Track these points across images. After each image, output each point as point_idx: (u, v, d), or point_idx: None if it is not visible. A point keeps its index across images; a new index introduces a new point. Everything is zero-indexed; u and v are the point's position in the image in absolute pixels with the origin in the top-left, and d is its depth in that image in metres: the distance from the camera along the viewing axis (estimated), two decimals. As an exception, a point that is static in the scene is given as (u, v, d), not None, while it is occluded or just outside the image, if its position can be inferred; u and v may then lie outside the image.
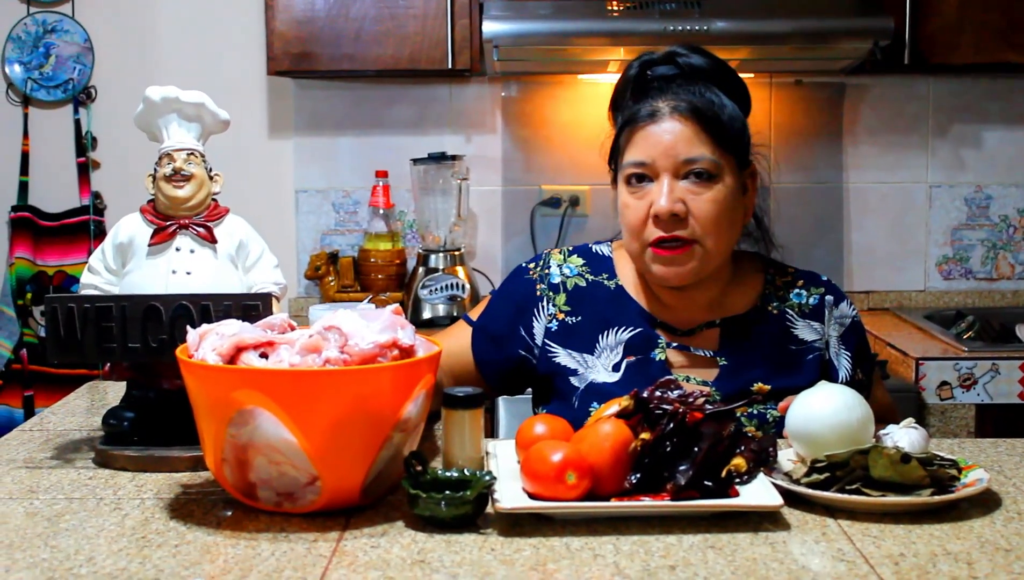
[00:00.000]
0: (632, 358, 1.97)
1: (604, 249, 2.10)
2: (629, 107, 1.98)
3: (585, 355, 1.99)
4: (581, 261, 2.08)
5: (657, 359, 1.96)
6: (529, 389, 2.10)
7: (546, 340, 2.02)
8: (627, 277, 2.05)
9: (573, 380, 1.98)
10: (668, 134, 1.90)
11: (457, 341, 2.06)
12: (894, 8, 3.37)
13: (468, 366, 2.05)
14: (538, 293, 2.04)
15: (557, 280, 2.05)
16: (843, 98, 3.78)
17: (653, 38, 3.28)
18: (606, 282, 2.05)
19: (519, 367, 2.04)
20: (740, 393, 1.90)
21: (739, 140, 1.95)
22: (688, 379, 1.95)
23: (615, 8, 3.33)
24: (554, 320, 2.02)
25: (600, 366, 1.97)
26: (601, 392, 1.93)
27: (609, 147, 2.02)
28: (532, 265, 2.09)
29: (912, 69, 3.55)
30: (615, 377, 1.96)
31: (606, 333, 1.99)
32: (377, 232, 3.69)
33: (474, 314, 2.10)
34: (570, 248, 2.11)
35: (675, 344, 1.98)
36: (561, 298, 2.03)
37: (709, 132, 1.90)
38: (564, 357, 2.00)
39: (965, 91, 3.80)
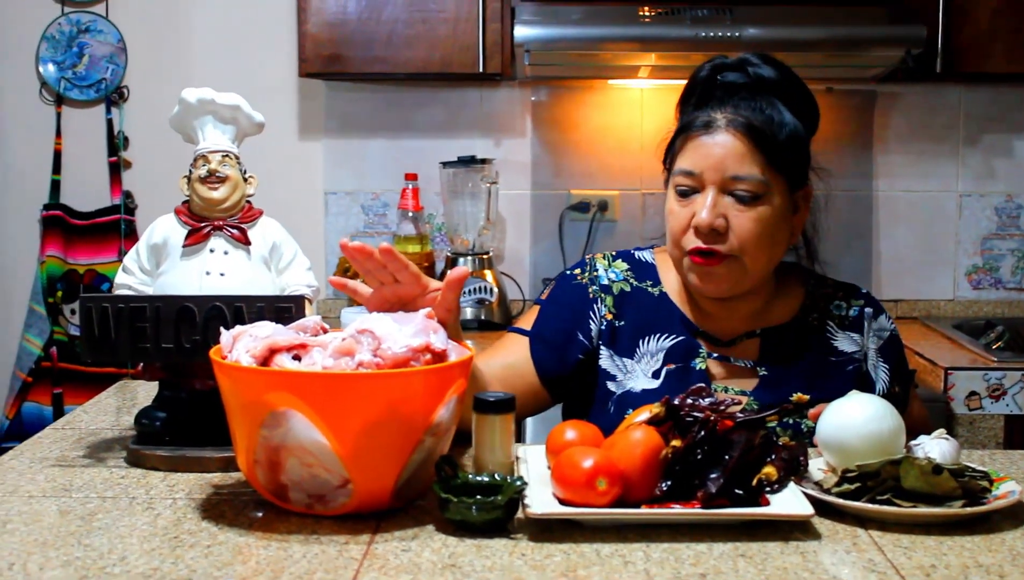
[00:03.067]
0: (672, 366, 1.97)
1: (647, 255, 2.10)
2: (689, 113, 1.96)
3: (625, 360, 1.99)
4: (625, 266, 2.07)
5: (697, 368, 1.96)
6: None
7: (599, 342, 2.01)
8: (671, 284, 2.05)
9: (611, 385, 1.98)
10: (719, 148, 1.88)
11: (513, 354, 2.03)
12: (927, 17, 3.36)
13: (528, 377, 2.01)
14: (591, 295, 2.04)
15: (606, 282, 2.04)
16: (874, 106, 3.77)
17: (684, 44, 3.29)
18: (650, 289, 2.04)
19: (579, 371, 2.02)
20: (778, 403, 1.90)
21: (794, 160, 1.93)
22: (727, 390, 1.95)
23: (646, 14, 3.33)
24: (604, 321, 2.02)
25: (640, 372, 1.97)
26: (638, 400, 1.92)
27: (665, 147, 2.00)
28: (578, 271, 2.08)
29: (944, 78, 3.53)
30: (655, 384, 1.96)
31: (647, 339, 1.99)
32: (406, 235, 3.70)
33: (524, 325, 2.07)
34: (613, 253, 2.10)
35: (715, 355, 1.98)
36: (610, 300, 2.03)
37: (762, 150, 1.88)
38: (606, 360, 2.00)
39: (997, 100, 3.79)
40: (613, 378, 1.98)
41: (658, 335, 1.99)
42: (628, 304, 2.03)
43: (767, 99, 1.92)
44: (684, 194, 1.92)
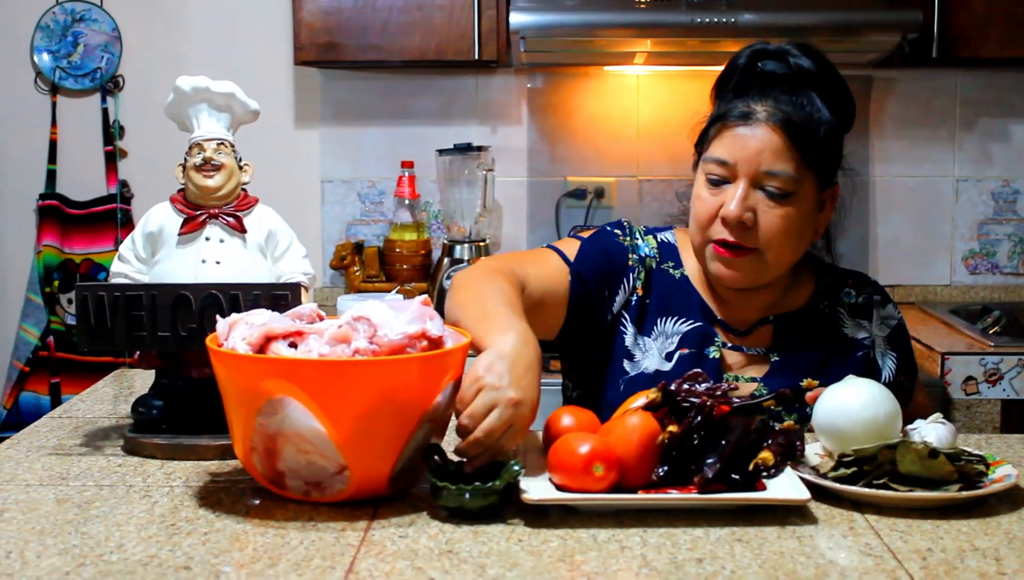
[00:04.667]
0: (686, 351, 1.96)
1: (668, 236, 2.07)
2: (728, 99, 1.93)
3: (645, 338, 1.98)
4: (655, 242, 2.05)
5: (711, 357, 1.96)
6: (558, 375, 2.10)
7: (623, 312, 1.99)
8: (692, 268, 2.03)
9: (626, 364, 1.97)
10: (756, 140, 1.86)
11: (554, 280, 1.96)
12: (922, 1, 3.35)
13: (557, 310, 1.95)
14: (631, 263, 2.00)
15: (644, 253, 2.02)
16: (870, 91, 3.77)
17: (680, 31, 3.28)
18: (672, 270, 2.03)
19: (595, 322, 1.98)
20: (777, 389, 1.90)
21: (827, 159, 1.91)
22: (738, 379, 1.95)
23: (642, 0, 3.32)
24: (635, 294, 1.99)
25: (655, 350, 1.96)
26: (650, 381, 1.90)
27: (699, 131, 1.98)
28: (619, 232, 2.03)
29: (940, 63, 3.52)
30: (667, 366, 1.95)
31: (664, 320, 1.98)
32: (402, 222, 3.70)
33: (564, 248, 2.00)
34: (643, 227, 2.07)
35: (730, 345, 1.98)
36: (643, 275, 2.00)
37: (798, 148, 1.86)
38: (629, 338, 1.97)
39: (993, 85, 3.78)
40: (632, 358, 1.97)
41: (676, 318, 1.98)
42: (654, 282, 2.01)
43: (806, 93, 1.89)
44: (715, 183, 1.89)
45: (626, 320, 1.99)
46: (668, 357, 1.96)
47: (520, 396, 1.51)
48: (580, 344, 2.02)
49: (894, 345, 2.03)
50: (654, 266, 2.03)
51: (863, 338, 2.01)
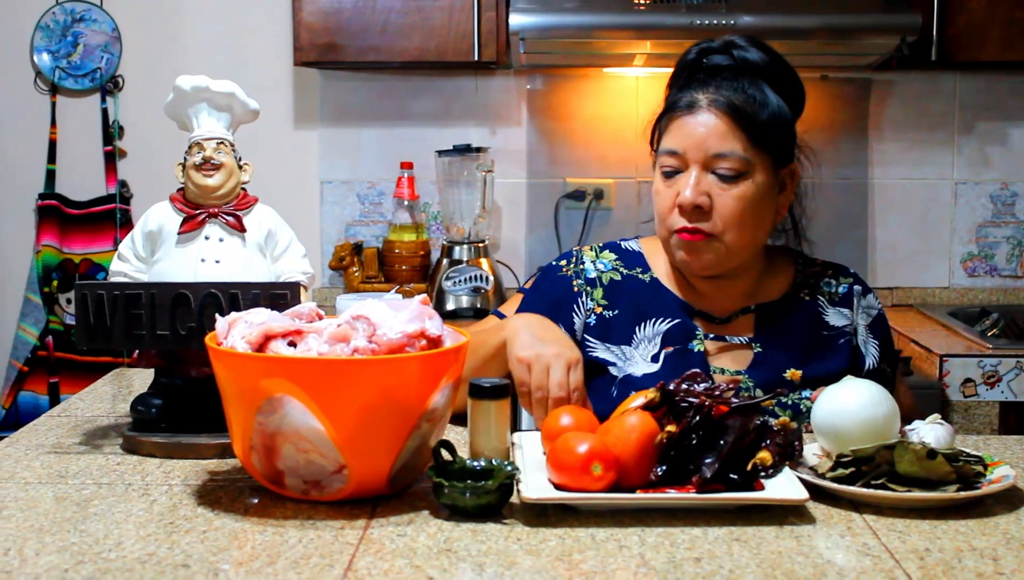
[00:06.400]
0: (671, 349, 1.98)
1: (632, 245, 2.11)
2: (674, 94, 1.98)
3: (623, 347, 1.99)
4: (613, 256, 2.08)
5: (696, 350, 1.97)
6: None
7: (585, 335, 2.02)
8: (660, 269, 2.06)
9: (612, 370, 1.99)
10: (702, 127, 1.91)
11: None
12: (922, 4, 3.36)
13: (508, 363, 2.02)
14: (575, 289, 2.05)
15: (593, 275, 2.05)
16: (869, 94, 3.77)
17: (679, 32, 3.28)
18: (640, 275, 2.05)
19: None
20: (773, 381, 1.92)
21: (777, 139, 1.94)
22: (722, 371, 1.96)
23: (641, 2, 3.33)
24: (592, 315, 2.03)
25: (639, 357, 1.98)
26: (640, 384, 1.93)
27: (651, 130, 2.03)
28: (563, 262, 2.09)
29: (939, 65, 3.54)
30: (654, 367, 1.97)
31: (643, 325, 2.00)
32: (401, 223, 3.70)
33: (507, 311, 2.09)
34: (600, 244, 2.11)
35: (712, 335, 1.99)
36: (599, 293, 2.04)
37: (744, 129, 1.90)
38: (602, 351, 2.00)
39: (992, 88, 3.79)
40: (613, 365, 1.99)
41: (654, 320, 2.00)
42: (620, 293, 2.04)
43: (751, 80, 1.94)
44: (669, 175, 1.94)
45: (590, 338, 2.02)
46: (654, 359, 1.98)
47: (557, 348, 1.82)
48: None
49: (875, 333, 2.06)
50: (618, 278, 2.05)
51: (844, 326, 2.04)
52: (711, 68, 1.96)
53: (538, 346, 1.82)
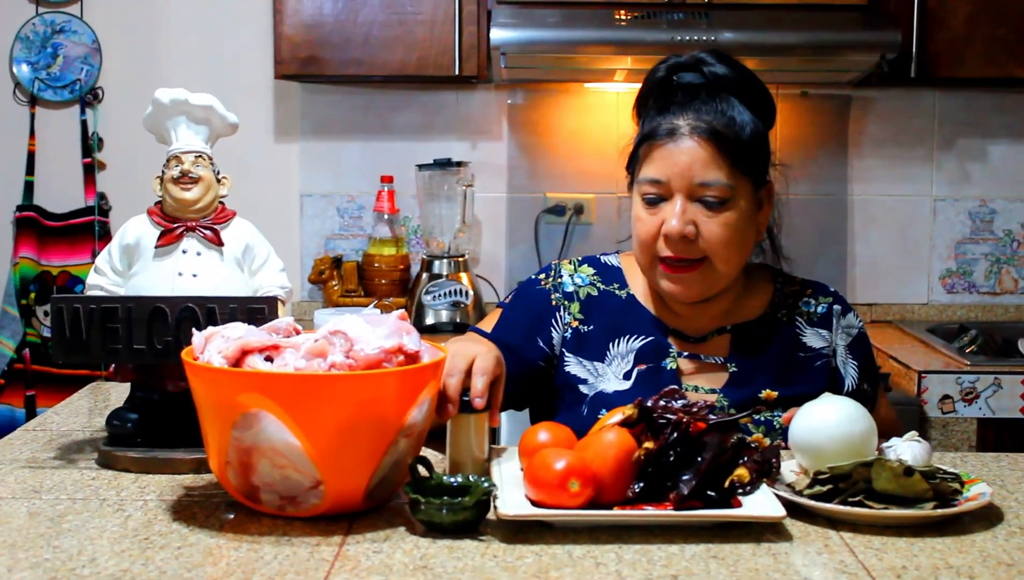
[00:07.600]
0: (643, 366, 1.97)
1: (612, 260, 2.10)
2: (652, 118, 1.96)
3: (596, 363, 1.99)
4: (592, 270, 2.08)
5: (668, 368, 1.97)
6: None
7: (563, 349, 2.02)
8: (638, 286, 2.05)
9: (583, 388, 1.98)
10: (684, 155, 1.89)
11: None
12: (902, 22, 3.38)
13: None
14: (554, 302, 2.04)
15: (570, 289, 2.05)
16: (849, 110, 3.79)
17: (660, 48, 3.28)
18: (617, 292, 2.05)
19: (536, 378, 2.02)
20: (748, 401, 1.91)
21: (757, 160, 1.93)
22: (696, 389, 1.95)
23: (623, 18, 3.33)
24: (569, 329, 2.02)
25: (611, 374, 1.98)
26: (611, 401, 1.93)
27: (628, 153, 2.01)
28: (543, 276, 2.09)
29: (919, 82, 3.56)
30: (626, 385, 1.96)
31: (617, 341, 2.00)
32: (381, 237, 3.69)
33: (485, 327, 2.08)
34: (579, 258, 2.11)
35: (686, 353, 1.99)
36: (575, 306, 2.03)
37: (727, 155, 1.88)
38: (575, 366, 2.00)
39: (971, 105, 3.81)
40: (584, 382, 1.98)
41: (628, 337, 2.00)
42: (596, 308, 2.04)
43: (725, 99, 1.92)
44: (651, 202, 1.92)
45: (565, 352, 2.01)
46: (627, 376, 1.97)
47: (461, 348, 1.70)
48: (529, 395, 2.06)
49: (855, 353, 2.05)
50: (595, 293, 2.05)
51: (822, 348, 2.02)
52: (685, 88, 1.94)
53: (463, 350, 1.71)
